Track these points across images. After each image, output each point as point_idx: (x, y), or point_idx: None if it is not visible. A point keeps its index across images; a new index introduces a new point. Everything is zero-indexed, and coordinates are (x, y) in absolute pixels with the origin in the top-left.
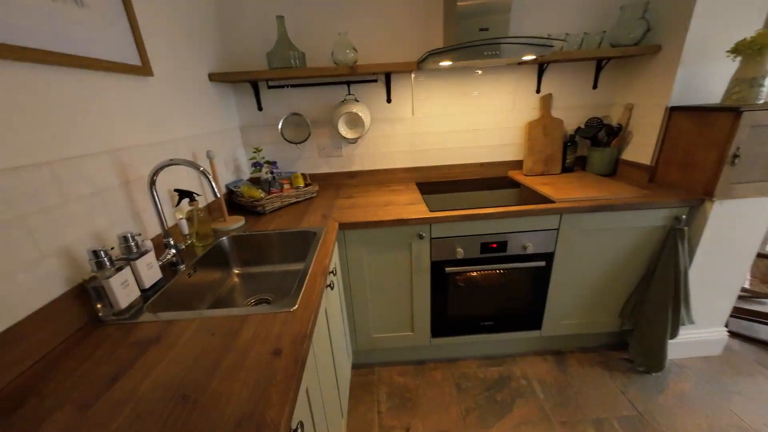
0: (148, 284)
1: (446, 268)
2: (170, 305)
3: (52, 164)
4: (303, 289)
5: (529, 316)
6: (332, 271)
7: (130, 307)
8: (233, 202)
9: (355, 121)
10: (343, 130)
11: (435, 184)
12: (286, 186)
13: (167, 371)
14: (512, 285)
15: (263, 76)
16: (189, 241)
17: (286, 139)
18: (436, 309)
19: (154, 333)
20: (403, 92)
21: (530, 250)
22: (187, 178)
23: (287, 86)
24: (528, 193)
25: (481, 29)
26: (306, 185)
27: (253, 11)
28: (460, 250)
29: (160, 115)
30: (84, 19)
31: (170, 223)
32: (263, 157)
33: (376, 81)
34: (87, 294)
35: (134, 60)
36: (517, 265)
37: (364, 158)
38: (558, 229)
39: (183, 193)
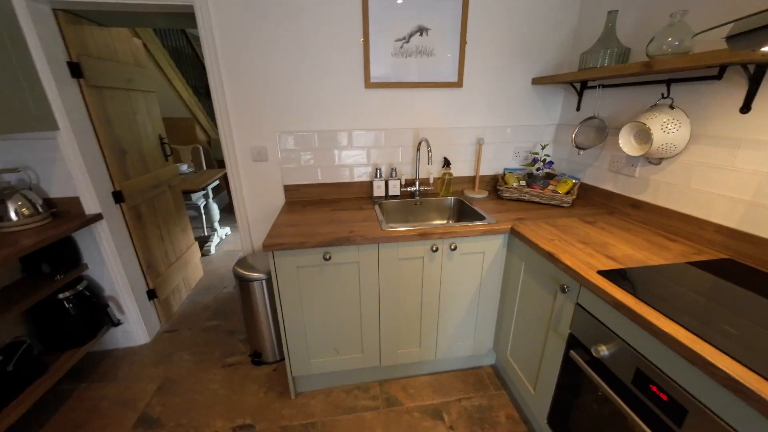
0: (391, 193)
1: None
2: (392, 208)
3: (392, 129)
4: None
5: None
6: None
7: (378, 198)
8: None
9: (646, 135)
10: (625, 144)
11: (752, 272)
12: (551, 186)
13: None
14: None
15: (563, 79)
16: (430, 188)
17: (575, 143)
18: None
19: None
20: None
21: None
22: (462, 153)
23: (599, 86)
24: None
25: None
26: (566, 194)
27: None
28: None
29: (459, 110)
30: (432, 62)
31: (433, 175)
32: (546, 154)
33: (718, 78)
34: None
35: (453, 78)
36: None
37: (661, 188)
38: None
39: (446, 161)
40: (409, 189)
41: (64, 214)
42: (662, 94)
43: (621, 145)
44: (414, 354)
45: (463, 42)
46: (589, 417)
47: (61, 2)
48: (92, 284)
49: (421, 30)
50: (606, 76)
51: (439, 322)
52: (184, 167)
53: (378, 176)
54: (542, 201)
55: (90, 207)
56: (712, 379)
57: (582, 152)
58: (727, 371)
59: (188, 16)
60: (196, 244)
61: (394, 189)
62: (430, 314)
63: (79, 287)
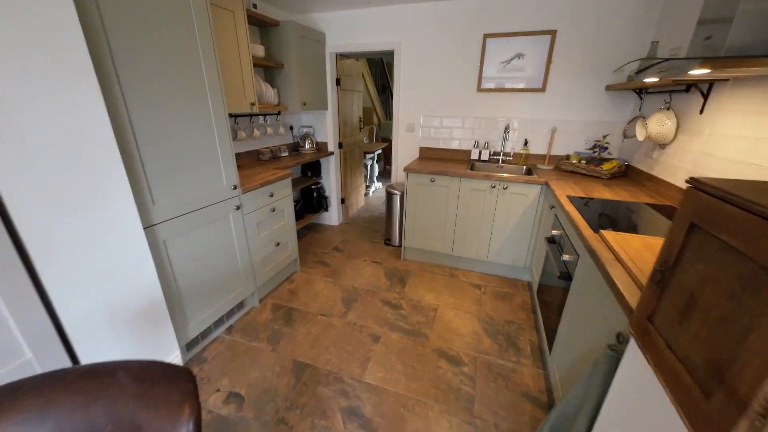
0: (482, 158)
1: None
2: (478, 166)
3: (490, 118)
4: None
5: None
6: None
7: (473, 160)
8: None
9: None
10: (638, 133)
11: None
12: (601, 165)
13: None
14: None
15: (625, 87)
16: (510, 158)
17: (624, 134)
18: None
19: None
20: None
21: None
22: (540, 137)
23: (644, 93)
24: None
25: None
26: (608, 170)
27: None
28: None
29: (541, 108)
30: (523, 75)
31: (514, 150)
32: (607, 142)
33: (686, 91)
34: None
35: (538, 86)
36: None
37: (659, 165)
38: None
39: (526, 141)
40: (494, 157)
41: (320, 149)
42: (664, 101)
43: (636, 133)
44: (473, 251)
45: (548, 62)
46: (551, 285)
47: (337, 52)
48: (321, 187)
49: (519, 55)
50: (646, 86)
51: (491, 236)
52: (365, 139)
53: (475, 147)
54: (587, 173)
55: (330, 148)
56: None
57: (625, 140)
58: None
59: (389, 52)
60: (364, 185)
61: (485, 156)
62: (486, 228)
63: (317, 186)
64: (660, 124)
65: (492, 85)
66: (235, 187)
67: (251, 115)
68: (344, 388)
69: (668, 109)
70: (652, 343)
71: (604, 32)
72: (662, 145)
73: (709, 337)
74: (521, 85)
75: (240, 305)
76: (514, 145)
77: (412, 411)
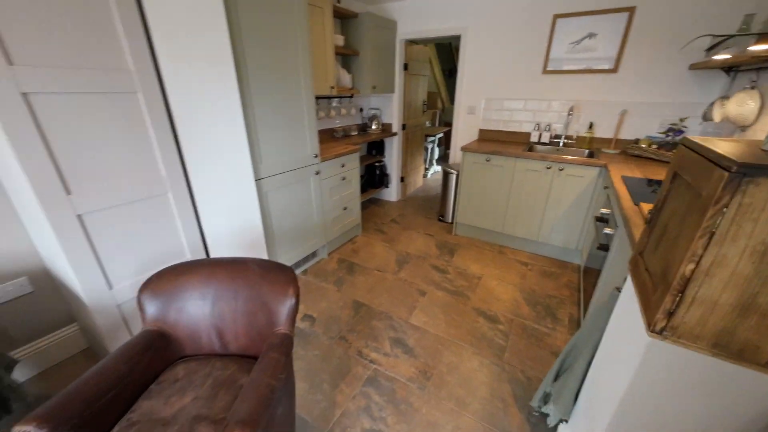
0: (542, 140)
1: None
2: (539, 148)
3: (554, 100)
4: None
5: None
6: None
7: (533, 142)
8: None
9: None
10: (716, 114)
11: None
12: (673, 151)
13: None
14: None
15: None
16: (573, 141)
17: (703, 117)
18: None
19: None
20: None
21: None
22: (607, 120)
23: (733, 72)
24: None
25: None
26: None
27: None
28: None
29: (610, 90)
30: (594, 56)
31: (578, 133)
32: (685, 126)
33: None
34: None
35: (609, 66)
36: None
37: None
38: None
39: (591, 124)
40: (555, 140)
41: (385, 130)
42: (750, 79)
43: (713, 115)
44: (523, 230)
45: (624, 41)
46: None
47: (406, 38)
48: (384, 165)
49: (590, 35)
50: (738, 63)
51: (543, 217)
52: (427, 123)
53: (536, 129)
54: (656, 158)
55: (394, 129)
56: None
57: (703, 123)
58: None
59: (456, 37)
60: (423, 166)
61: (545, 138)
62: (538, 209)
63: (380, 164)
64: (741, 104)
65: (559, 67)
66: (316, 156)
67: (329, 98)
68: (393, 324)
69: (753, 88)
70: (637, 269)
71: (691, 6)
72: (742, 128)
73: (665, 253)
74: (591, 66)
75: (313, 254)
76: (579, 128)
77: (448, 348)
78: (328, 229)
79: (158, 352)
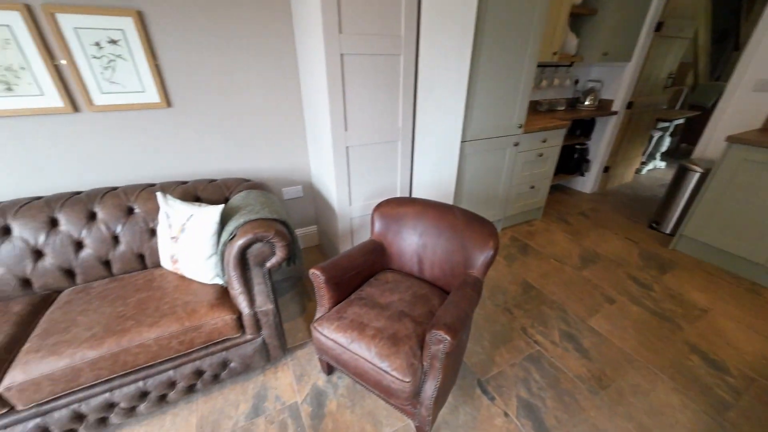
0: None
1: None
2: None
3: None
4: None
5: None
6: None
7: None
8: None
9: None
10: None
11: None
12: None
13: None
14: None
15: None
16: None
17: None
18: None
19: None
20: None
21: None
22: None
23: None
24: None
25: None
26: None
27: None
28: None
29: None
30: None
31: None
32: None
33: None
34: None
35: None
36: None
37: None
38: None
39: None
40: None
41: (601, 107)
42: None
43: None
44: None
45: None
46: None
47: None
48: (586, 149)
49: None
50: None
51: None
52: (664, 104)
53: None
54: None
55: (615, 107)
56: None
57: None
58: None
59: None
60: (639, 158)
61: None
62: None
63: (581, 147)
64: None
65: None
66: (520, 126)
67: (545, 65)
68: (566, 317)
69: None
70: None
71: None
72: None
73: None
74: None
75: None
76: None
77: (636, 369)
78: (510, 203)
79: (378, 257)
